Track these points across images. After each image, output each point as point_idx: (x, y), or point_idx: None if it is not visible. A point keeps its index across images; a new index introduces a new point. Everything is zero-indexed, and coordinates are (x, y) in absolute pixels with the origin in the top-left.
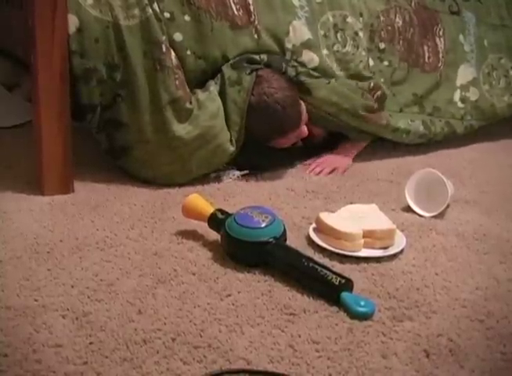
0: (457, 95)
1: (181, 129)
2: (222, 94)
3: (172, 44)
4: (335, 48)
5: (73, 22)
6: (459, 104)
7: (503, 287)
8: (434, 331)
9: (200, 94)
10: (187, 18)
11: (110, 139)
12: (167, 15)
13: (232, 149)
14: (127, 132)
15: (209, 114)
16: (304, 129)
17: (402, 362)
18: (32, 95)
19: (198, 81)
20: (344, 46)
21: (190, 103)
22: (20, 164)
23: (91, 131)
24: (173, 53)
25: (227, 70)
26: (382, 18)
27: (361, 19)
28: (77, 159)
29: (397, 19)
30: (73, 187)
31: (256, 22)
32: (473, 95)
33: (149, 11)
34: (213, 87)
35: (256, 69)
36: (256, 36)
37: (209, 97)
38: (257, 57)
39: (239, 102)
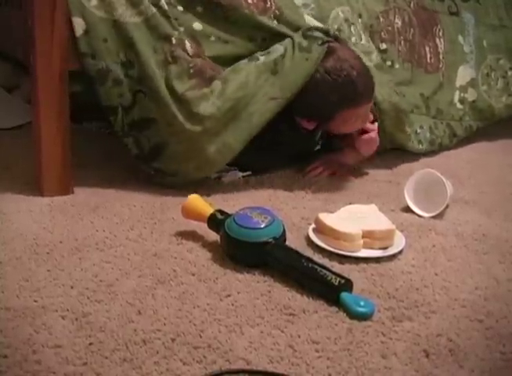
0: (456, 97)
1: (208, 107)
2: (288, 58)
3: (193, 33)
4: (352, 40)
5: (79, 24)
6: (459, 105)
7: (503, 287)
8: (434, 331)
9: (224, 71)
10: (199, 9)
11: (139, 142)
12: (180, 8)
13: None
14: (158, 128)
15: (236, 86)
16: (370, 115)
17: (401, 362)
18: (31, 96)
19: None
20: (361, 39)
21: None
22: (20, 165)
23: (117, 136)
24: (188, 43)
25: (297, 36)
26: (381, 19)
27: (360, 20)
28: (77, 160)
29: (396, 20)
30: (73, 188)
31: (273, 7)
32: (471, 96)
33: (152, 10)
34: (242, 61)
35: (328, 41)
36: (276, 21)
37: (233, 70)
38: (329, 28)
39: (302, 69)
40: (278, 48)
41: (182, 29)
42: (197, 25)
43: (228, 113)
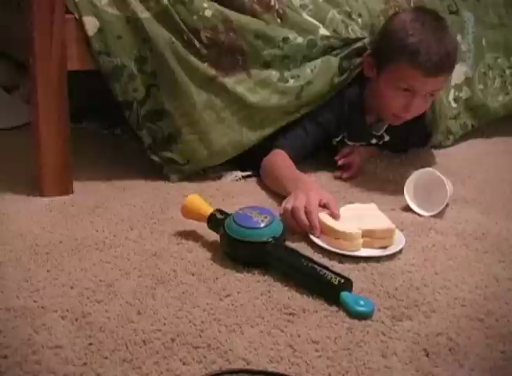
0: (451, 96)
1: (224, 100)
2: (315, 83)
3: (206, 19)
4: None
5: (92, 23)
6: (453, 104)
7: (503, 285)
8: (434, 330)
9: (253, 76)
10: (205, 5)
11: (153, 132)
12: None
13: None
14: (172, 120)
15: (258, 98)
16: (415, 105)
17: (401, 361)
18: (30, 98)
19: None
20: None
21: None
22: (19, 165)
23: (132, 129)
24: (204, 34)
25: (334, 63)
26: (382, 18)
27: (360, 19)
28: (76, 160)
29: None
30: (73, 188)
31: (276, 6)
32: (464, 94)
33: (164, 2)
34: (273, 74)
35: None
36: (279, 20)
37: (261, 82)
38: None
39: (327, 93)
40: (307, 74)
41: (195, 17)
42: (208, 12)
43: (243, 114)
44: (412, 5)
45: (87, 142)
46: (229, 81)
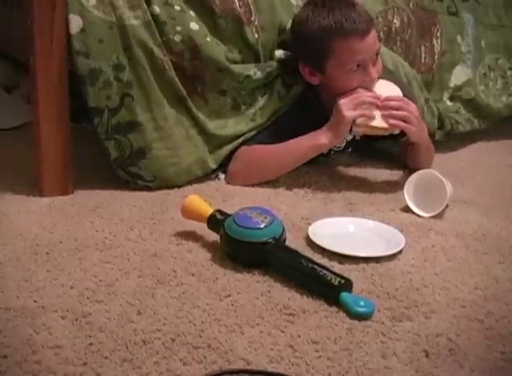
0: (446, 95)
1: (186, 120)
2: (267, 108)
3: (191, 33)
4: None
5: (76, 22)
6: (448, 103)
7: (503, 286)
8: (434, 331)
9: (212, 101)
10: (192, 13)
11: (121, 145)
12: (177, 8)
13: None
14: (143, 132)
15: (215, 125)
16: (373, 70)
17: (401, 362)
18: (31, 95)
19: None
20: None
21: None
22: (19, 165)
23: (99, 138)
24: (170, 57)
25: (277, 84)
26: (380, 19)
27: None
28: (77, 160)
29: (394, 21)
30: (73, 188)
31: (256, 22)
32: (467, 95)
33: (148, 16)
34: (228, 104)
35: None
36: (257, 35)
37: (216, 113)
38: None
39: (279, 111)
40: (259, 101)
41: (179, 28)
42: (194, 25)
43: (203, 138)
44: (410, 5)
45: (87, 142)
46: (193, 106)
